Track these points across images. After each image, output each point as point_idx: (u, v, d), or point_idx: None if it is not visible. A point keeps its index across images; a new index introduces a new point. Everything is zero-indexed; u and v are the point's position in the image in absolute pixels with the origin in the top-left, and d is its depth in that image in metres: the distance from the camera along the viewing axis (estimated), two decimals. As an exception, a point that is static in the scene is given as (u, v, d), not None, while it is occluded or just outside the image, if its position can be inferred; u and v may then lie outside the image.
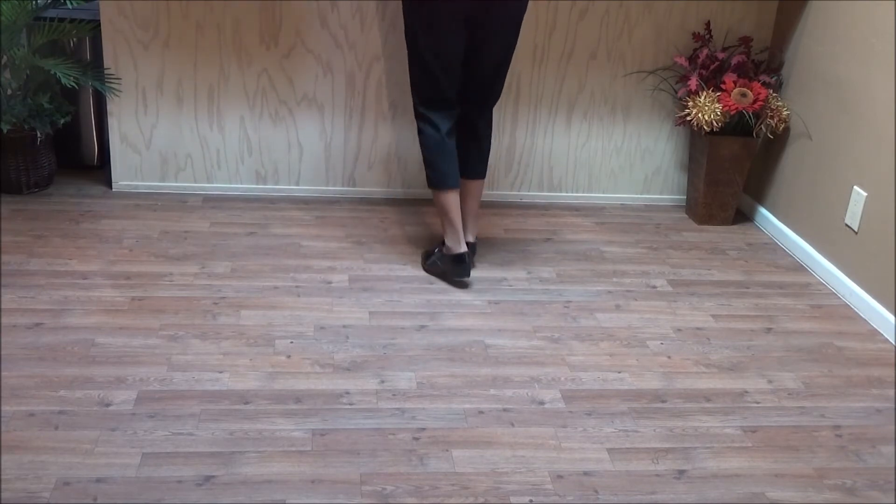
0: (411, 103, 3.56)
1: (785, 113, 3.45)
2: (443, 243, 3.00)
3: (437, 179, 2.94)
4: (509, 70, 3.51)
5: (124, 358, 2.43)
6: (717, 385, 2.51)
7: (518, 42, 3.15)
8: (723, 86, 3.47)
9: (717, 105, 3.41)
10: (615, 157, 3.78)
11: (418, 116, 2.96)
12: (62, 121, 3.42)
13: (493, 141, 3.66)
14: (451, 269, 2.95)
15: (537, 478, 2.07)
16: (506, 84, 3.57)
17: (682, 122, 3.55)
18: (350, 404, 2.30)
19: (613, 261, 3.27)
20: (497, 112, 3.62)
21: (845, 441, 2.30)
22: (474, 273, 3.08)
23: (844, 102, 3.15)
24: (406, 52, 3.06)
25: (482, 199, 3.64)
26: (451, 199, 2.94)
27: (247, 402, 2.28)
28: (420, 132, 2.97)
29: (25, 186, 3.46)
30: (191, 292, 2.81)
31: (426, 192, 3.72)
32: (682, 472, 2.13)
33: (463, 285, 2.98)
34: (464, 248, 2.94)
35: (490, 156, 3.66)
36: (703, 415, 2.37)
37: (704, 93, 3.46)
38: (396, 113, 3.58)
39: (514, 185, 3.77)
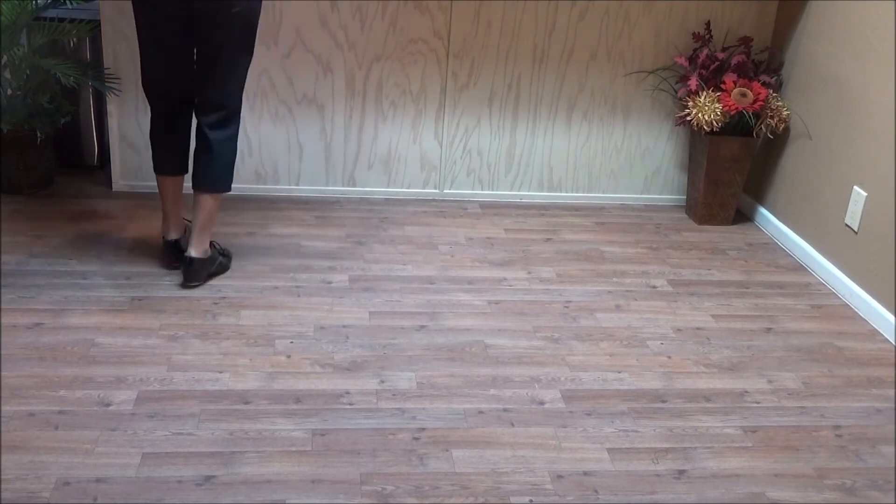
0: (411, 103, 3.57)
1: (785, 113, 3.45)
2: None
3: (153, 163, 2.86)
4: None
5: (124, 358, 2.43)
6: (717, 385, 2.51)
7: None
8: (723, 86, 3.46)
9: (717, 105, 3.41)
10: (615, 157, 3.78)
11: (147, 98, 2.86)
12: (62, 121, 3.42)
13: (490, 140, 3.66)
14: (159, 253, 2.95)
15: (537, 478, 2.07)
16: (506, 83, 3.57)
17: (682, 122, 3.55)
18: (350, 404, 2.30)
19: (613, 261, 3.27)
20: (497, 112, 3.62)
21: (845, 441, 2.29)
22: (476, 273, 3.08)
23: (844, 102, 3.15)
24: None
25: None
26: (163, 185, 2.86)
27: (247, 402, 2.27)
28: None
29: (25, 186, 3.45)
30: (190, 292, 2.81)
31: (426, 192, 3.73)
32: (682, 472, 2.13)
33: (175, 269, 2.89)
34: (172, 237, 2.91)
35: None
36: (703, 415, 2.37)
37: (704, 93, 3.46)
38: (396, 113, 3.58)
39: (514, 185, 3.77)
